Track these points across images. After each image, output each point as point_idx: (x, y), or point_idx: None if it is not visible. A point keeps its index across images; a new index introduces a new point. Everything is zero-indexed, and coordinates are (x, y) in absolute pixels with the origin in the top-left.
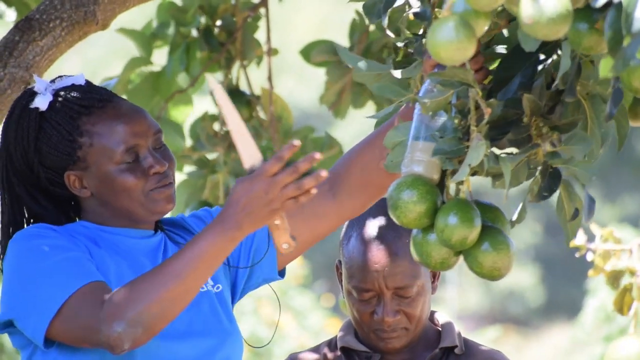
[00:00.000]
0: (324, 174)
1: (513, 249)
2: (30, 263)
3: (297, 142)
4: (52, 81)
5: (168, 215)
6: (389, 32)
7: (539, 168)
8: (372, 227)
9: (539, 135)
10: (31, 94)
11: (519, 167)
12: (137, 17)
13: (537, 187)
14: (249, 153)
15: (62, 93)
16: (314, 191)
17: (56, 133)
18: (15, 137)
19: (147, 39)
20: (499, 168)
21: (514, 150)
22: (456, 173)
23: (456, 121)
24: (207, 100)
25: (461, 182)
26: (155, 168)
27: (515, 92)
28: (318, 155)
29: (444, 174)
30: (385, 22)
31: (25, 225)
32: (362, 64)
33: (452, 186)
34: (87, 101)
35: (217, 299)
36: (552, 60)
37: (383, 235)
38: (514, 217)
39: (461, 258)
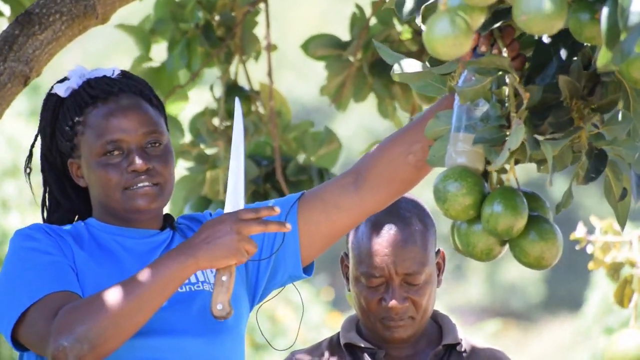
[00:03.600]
0: (288, 226)
1: (560, 238)
2: (11, 265)
3: (277, 209)
4: (91, 71)
5: (168, 212)
6: (423, 28)
7: (584, 151)
8: (382, 213)
9: (580, 117)
10: (63, 80)
11: (563, 150)
12: (137, 11)
13: (582, 170)
14: (234, 200)
15: (86, 83)
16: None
17: (65, 119)
18: (41, 121)
19: (145, 34)
20: (542, 153)
21: (557, 136)
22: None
23: (498, 109)
24: (206, 95)
25: (506, 171)
26: (133, 165)
27: (553, 77)
28: (278, 209)
29: (488, 163)
30: (419, 19)
31: (54, 213)
32: (400, 63)
33: (497, 176)
34: (95, 92)
35: (209, 299)
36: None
37: (393, 221)
38: (560, 202)
39: (506, 248)
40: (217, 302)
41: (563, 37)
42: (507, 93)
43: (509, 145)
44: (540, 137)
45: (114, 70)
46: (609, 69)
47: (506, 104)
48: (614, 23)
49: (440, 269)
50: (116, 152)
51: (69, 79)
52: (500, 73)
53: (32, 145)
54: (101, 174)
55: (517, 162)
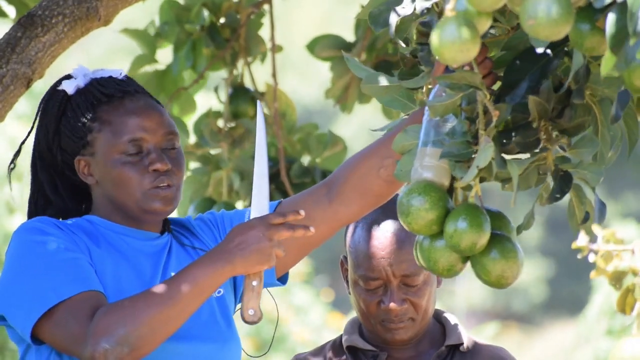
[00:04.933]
0: (312, 229)
1: (521, 257)
2: (28, 258)
3: (302, 212)
4: (94, 71)
5: (173, 215)
6: (398, 42)
7: (549, 172)
8: (378, 216)
9: (547, 139)
10: (67, 78)
11: (528, 171)
12: (140, 13)
13: (546, 192)
14: (260, 205)
15: (94, 82)
16: (309, 233)
17: (74, 116)
18: (42, 117)
19: (150, 38)
20: (508, 172)
21: (524, 156)
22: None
23: (465, 125)
24: (211, 97)
25: (470, 188)
26: (155, 165)
27: (524, 96)
28: (303, 213)
29: (453, 179)
30: (392, 31)
31: (45, 211)
32: (369, 76)
33: (461, 192)
34: (110, 90)
35: (217, 304)
36: (561, 63)
37: (389, 223)
38: (522, 223)
39: (468, 265)
40: (248, 308)
41: (536, 58)
42: (476, 110)
43: (477, 162)
44: (507, 156)
45: (120, 72)
46: (612, 75)
47: (477, 121)
48: (621, 28)
49: None
50: (136, 151)
51: (74, 77)
52: (470, 90)
53: (23, 142)
54: (120, 172)
55: (482, 180)
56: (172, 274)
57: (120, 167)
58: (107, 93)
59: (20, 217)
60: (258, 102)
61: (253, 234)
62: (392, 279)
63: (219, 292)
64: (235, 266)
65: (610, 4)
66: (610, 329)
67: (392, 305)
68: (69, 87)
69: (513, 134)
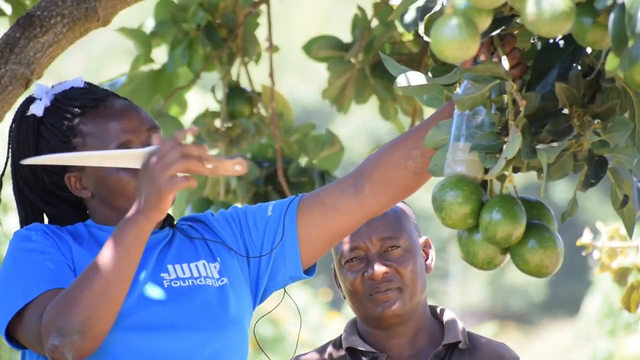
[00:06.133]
0: (239, 167)
1: (560, 246)
2: (9, 264)
3: (195, 128)
4: (53, 87)
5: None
6: (426, 39)
7: (584, 158)
8: None
9: (580, 124)
10: (30, 101)
11: (564, 158)
12: (138, 14)
13: (584, 176)
14: (133, 154)
15: (59, 97)
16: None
17: (53, 136)
18: (18, 145)
19: (146, 37)
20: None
21: (556, 143)
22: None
23: (495, 117)
24: (208, 96)
25: (504, 179)
26: None
27: (554, 84)
28: (195, 128)
29: (487, 172)
30: (422, 29)
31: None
32: (405, 76)
33: (497, 183)
34: (81, 102)
35: (217, 292)
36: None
37: None
38: (565, 211)
39: (508, 257)
40: (233, 167)
41: (565, 45)
42: (505, 101)
43: (506, 153)
44: (540, 145)
45: (80, 80)
46: (616, 74)
47: (506, 112)
48: (621, 29)
49: (427, 255)
50: None
51: (37, 99)
52: (498, 81)
53: (2, 174)
54: (116, 178)
55: (516, 170)
56: (169, 265)
57: (114, 173)
58: (78, 105)
59: (14, 217)
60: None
61: (147, 177)
62: (370, 247)
63: (222, 281)
64: (147, 210)
65: (611, 5)
66: (610, 329)
67: (375, 269)
68: (37, 109)
69: (544, 122)
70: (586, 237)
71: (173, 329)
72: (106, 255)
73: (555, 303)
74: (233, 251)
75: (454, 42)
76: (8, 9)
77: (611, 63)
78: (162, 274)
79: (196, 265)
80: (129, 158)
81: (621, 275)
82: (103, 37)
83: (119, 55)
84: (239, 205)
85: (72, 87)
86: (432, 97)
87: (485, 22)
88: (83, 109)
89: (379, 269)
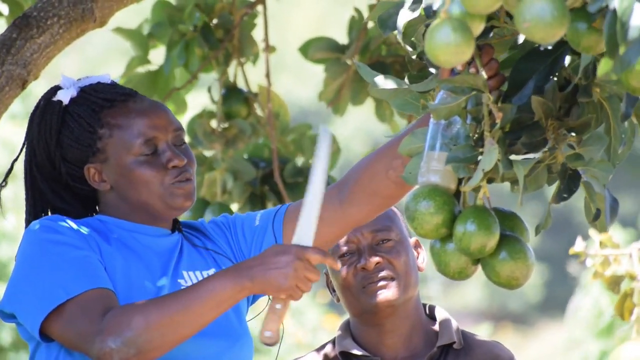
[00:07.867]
0: (338, 265)
1: (531, 258)
2: (38, 256)
3: (339, 265)
4: (79, 79)
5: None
6: (405, 46)
7: (557, 171)
8: None
9: (555, 137)
10: (56, 89)
11: (538, 171)
12: (135, 15)
13: (557, 189)
14: (303, 234)
15: (87, 89)
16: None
17: (78, 125)
18: (39, 131)
19: (143, 38)
20: (515, 173)
21: (531, 156)
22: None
23: (471, 128)
24: (204, 96)
25: (478, 190)
26: (173, 162)
27: (530, 96)
28: (339, 265)
29: (461, 182)
30: (400, 36)
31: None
32: (379, 80)
33: (470, 194)
34: (110, 95)
35: None
36: (571, 60)
37: None
38: (539, 223)
39: (479, 267)
40: (266, 329)
41: (541, 58)
42: (482, 112)
43: (483, 165)
44: (518, 157)
45: (107, 77)
46: (609, 77)
47: (482, 123)
48: (613, 34)
49: (418, 255)
50: (151, 151)
51: (64, 88)
52: (474, 92)
53: (15, 160)
54: (140, 173)
55: (490, 181)
56: (184, 272)
57: (138, 168)
58: (107, 98)
59: (11, 218)
60: (323, 128)
61: (283, 258)
62: (362, 240)
63: None
64: (254, 284)
65: (604, 7)
66: (600, 332)
67: (368, 259)
68: (64, 97)
69: (520, 134)
70: (579, 246)
71: (198, 336)
72: (196, 296)
73: (552, 304)
74: (231, 262)
75: (448, 47)
76: (5, 9)
77: (604, 67)
78: (179, 280)
79: (208, 274)
80: (304, 232)
81: (615, 283)
82: (100, 38)
83: (115, 56)
84: (235, 204)
85: (99, 82)
86: (404, 101)
87: (479, 28)
88: (112, 102)
89: (372, 259)
